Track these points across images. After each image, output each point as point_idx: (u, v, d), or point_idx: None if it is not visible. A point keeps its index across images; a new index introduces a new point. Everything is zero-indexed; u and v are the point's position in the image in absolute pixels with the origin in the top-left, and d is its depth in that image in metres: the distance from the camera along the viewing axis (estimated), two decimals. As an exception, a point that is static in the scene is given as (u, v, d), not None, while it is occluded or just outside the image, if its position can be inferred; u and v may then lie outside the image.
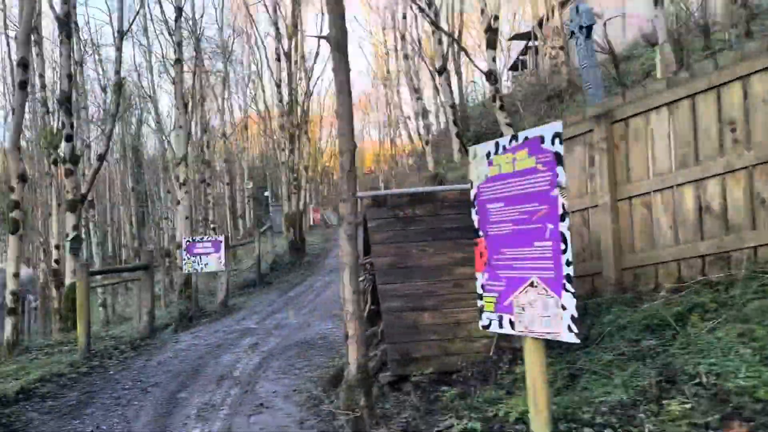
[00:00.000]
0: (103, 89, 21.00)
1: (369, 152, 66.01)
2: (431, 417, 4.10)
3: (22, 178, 9.67)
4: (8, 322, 9.30)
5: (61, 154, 11.50)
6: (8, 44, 14.17)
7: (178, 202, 16.07)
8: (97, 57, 21.22)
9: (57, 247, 12.94)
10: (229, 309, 13.51)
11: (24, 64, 9.41)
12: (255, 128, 36.21)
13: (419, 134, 24.97)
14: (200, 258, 13.50)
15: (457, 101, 19.97)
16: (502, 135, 14.21)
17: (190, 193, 15.04)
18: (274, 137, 23.83)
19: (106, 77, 20.13)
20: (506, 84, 32.77)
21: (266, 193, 38.20)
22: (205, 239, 13.61)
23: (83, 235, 13.34)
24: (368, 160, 66.56)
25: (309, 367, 7.49)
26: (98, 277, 16.32)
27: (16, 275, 9.51)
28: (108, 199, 26.00)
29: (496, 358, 4.75)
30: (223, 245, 13.43)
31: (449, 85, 18.06)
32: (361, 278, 5.95)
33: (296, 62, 18.90)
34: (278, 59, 19.20)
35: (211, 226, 22.37)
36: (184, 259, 13.66)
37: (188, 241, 13.68)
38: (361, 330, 3.95)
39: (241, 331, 10.79)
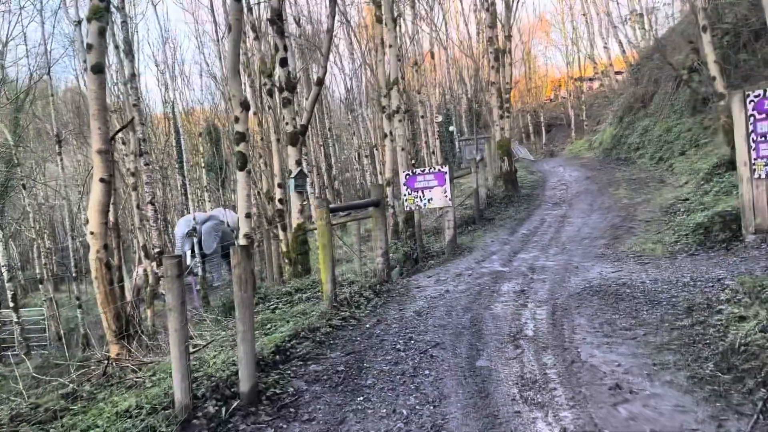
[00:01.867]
0: (296, 21, 20.12)
1: (550, 78, 61.00)
2: None
3: (245, 105, 8.54)
4: (245, 267, 8.39)
5: (276, 82, 10.34)
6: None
7: (385, 135, 14.57)
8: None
9: (280, 185, 12.07)
10: (459, 249, 11.82)
11: (236, -30, 8.08)
12: (438, 60, 34.06)
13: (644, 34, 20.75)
14: (422, 193, 11.90)
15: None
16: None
17: (404, 122, 13.42)
18: (473, 55, 21.56)
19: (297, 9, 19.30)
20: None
21: (451, 128, 36.27)
22: (426, 171, 11.94)
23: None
24: (548, 89, 61.61)
25: (643, 328, 5.34)
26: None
27: (248, 216, 8.52)
28: (310, 140, 25.70)
29: None
30: (448, 177, 11.66)
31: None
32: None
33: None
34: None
35: (411, 161, 20.98)
36: (404, 195, 12.17)
37: (407, 174, 12.12)
38: None
39: (491, 275, 8.97)
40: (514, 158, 34.22)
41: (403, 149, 13.06)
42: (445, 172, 11.68)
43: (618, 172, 18.25)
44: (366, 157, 25.39)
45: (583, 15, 35.48)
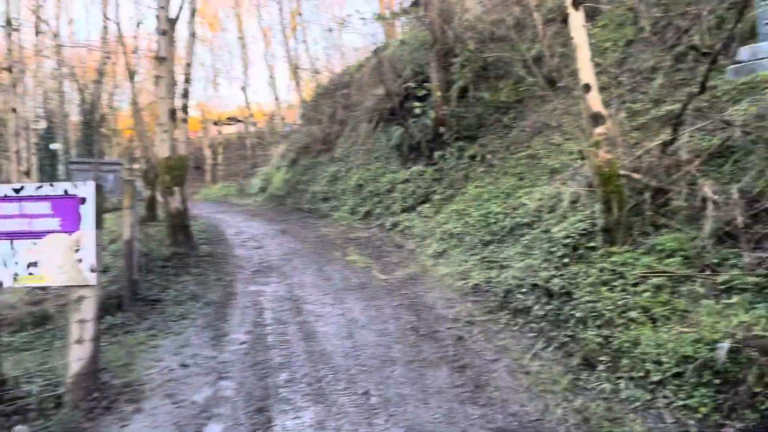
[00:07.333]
0: None
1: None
2: None
3: None
4: None
5: None
6: None
7: None
8: None
9: None
10: (102, 396, 4.75)
11: None
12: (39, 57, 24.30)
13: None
14: (11, 245, 4.56)
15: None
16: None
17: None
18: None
19: None
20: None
21: (52, 146, 26.60)
22: (29, 191, 4.66)
23: None
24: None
25: None
26: None
27: None
28: None
29: None
30: (88, 211, 4.65)
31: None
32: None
33: None
34: None
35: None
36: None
37: (-31, 193, 4.56)
38: None
39: None
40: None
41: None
42: (82, 199, 4.66)
43: (322, 228, 13.44)
44: None
45: (240, 38, 30.93)
